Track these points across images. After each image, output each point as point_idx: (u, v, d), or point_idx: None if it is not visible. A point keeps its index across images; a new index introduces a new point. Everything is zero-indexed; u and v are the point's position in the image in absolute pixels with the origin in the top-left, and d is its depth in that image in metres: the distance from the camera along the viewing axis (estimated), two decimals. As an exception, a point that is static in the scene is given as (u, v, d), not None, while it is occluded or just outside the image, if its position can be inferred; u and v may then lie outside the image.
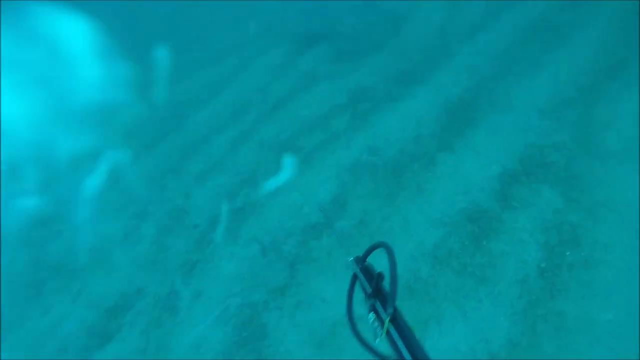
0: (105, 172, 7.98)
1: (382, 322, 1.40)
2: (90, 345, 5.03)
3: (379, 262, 1.64)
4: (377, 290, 1.53)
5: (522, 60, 6.72)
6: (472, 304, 3.78)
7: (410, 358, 1.19)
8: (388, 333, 1.27)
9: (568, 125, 5.09)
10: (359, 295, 1.60)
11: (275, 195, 5.81)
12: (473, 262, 3.98)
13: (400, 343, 1.26)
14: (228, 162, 6.96)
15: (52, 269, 6.34)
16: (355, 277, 1.68)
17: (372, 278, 1.58)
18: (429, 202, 4.82)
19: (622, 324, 3.25)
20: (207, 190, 6.58)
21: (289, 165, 6.13)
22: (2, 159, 8.22)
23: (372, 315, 1.56)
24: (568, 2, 7.44)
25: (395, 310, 1.37)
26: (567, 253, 3.70)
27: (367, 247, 1.96)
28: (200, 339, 4.72)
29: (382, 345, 1.25)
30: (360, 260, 1.78)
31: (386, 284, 1.50)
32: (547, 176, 4.50)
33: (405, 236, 4.57)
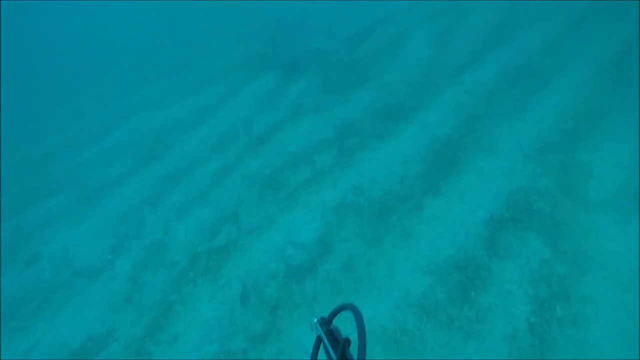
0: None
1: None
2: None
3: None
4: (344, 358, 1.40)
5: (507, 101, 6.82)
6: (460, 360, 3.64)
7: None
8: None
9: (552, 171, 5.12)
10: None
11: (258, 234, 5.64)
12: (461, 315, 3.85)
13: None
14: (210, 195, 6.79)
15: (13, 304, 5.98)
16: (319, 341, 1.59)
17: (338, 343, 1.47)
18: (415, 248, 4.72)
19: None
20: (187, 225, 6.36)
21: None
22: None
23: None
24: (552, 47, 7.66)
25: None
26: (557, 308, 3.62)
27: (333, 308, 1.81)
28: (173, 388, 4.46)
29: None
30: (326, 323, 1.68)
31: (354, 350, 1.36)
32: (533, 224, 4.46)
33: (391, 283, 4.44)
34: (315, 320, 1.70)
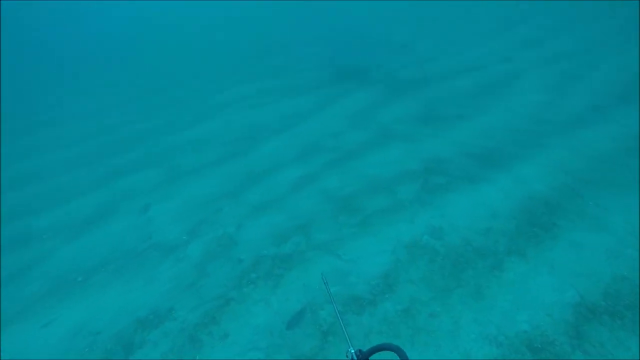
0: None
1: None
2: (113, 352, 5.00)
3: None
4: None
5: (629, 172, 6.06)
6: None
7: None
8: None
9: (671, 266, 4.41)
10: None
11: (325, 252, 5.60)
12: (526, 405, 3.46)
13: None
14: (287, 202, 6.92)
15: (101, 261, 6.57)
16: None
17: None
18: (486, 312, 4.34)
19: None
20: (259, 225, 6.54)
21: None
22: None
23: None
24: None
25: None
26: None
27: (376, 344, 1.72)
28: (213, 386, 4.54)
29: None
30: (363, 356, 1.67)
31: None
32: (638, 325, 3.86)
33: (452, 343, 4.13)
34: (352, 350, 1.70)
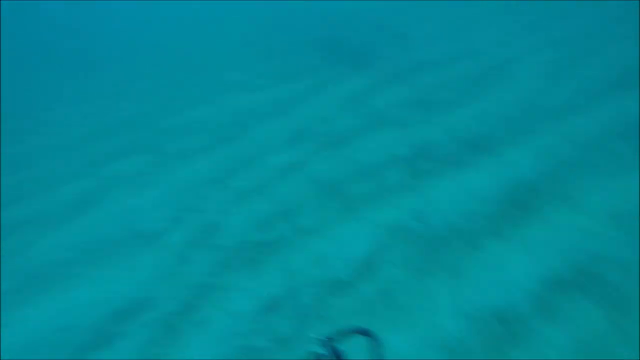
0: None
1: None
2: (89, 345, 4.84)
3: None
4: None
5: (612, 157, 6.06)
6: None
7: None
8: None
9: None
10: None
11: (308, 238, 5.69)
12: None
13: None
14: (273, 188, 6.98)
15: (77, 251, 6.52)
16: None
17: None
18: (461, 289, 4.41)
19: None
20: (244, 212, 6.58)
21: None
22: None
23: None
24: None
25: None
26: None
27: (344, 327, 1.58)
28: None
29: None
30: (330, 342, 1.51)
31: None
32: (597, 294, 3.92)
33: (426, 318, 4.20)
34: (317, 336, 1.56)
